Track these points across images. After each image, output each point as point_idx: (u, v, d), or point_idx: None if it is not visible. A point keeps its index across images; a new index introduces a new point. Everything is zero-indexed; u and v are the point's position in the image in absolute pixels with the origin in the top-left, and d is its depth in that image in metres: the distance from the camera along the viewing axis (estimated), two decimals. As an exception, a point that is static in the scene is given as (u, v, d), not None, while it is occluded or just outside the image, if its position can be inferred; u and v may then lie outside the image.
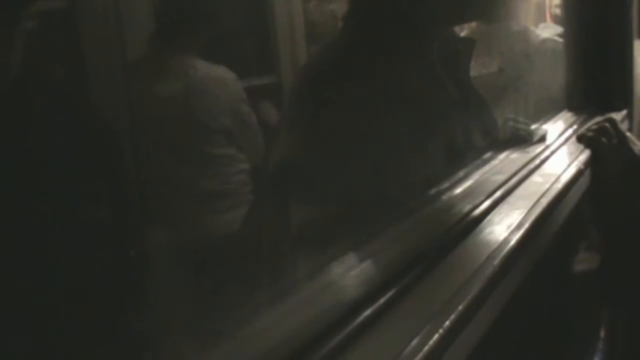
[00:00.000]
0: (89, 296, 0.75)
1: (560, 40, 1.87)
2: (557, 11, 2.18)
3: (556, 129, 1.55)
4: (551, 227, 1.08)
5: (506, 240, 0.91)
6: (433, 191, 1.06)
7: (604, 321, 1.79)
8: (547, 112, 1.64)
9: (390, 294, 0.74)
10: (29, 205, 0.70)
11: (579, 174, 1.23)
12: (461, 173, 1.17)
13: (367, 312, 0.70)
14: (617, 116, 1.66)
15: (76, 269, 0.75)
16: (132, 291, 0.86)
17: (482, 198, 1.06)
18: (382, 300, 0.73)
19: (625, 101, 1.79)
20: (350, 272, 0.78)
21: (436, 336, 0.65)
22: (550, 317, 1.29)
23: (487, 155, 1.28)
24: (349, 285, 0.77)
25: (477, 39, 1.30)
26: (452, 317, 0.68)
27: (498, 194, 1.09)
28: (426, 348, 0.64)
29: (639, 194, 1.35)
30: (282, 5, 1.87)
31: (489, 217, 1.00)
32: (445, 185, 1.09)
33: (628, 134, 1.42)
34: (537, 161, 1.29)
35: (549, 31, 1.99)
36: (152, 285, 0.96)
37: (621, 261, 1.43)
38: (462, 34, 1.64)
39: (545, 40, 1.94)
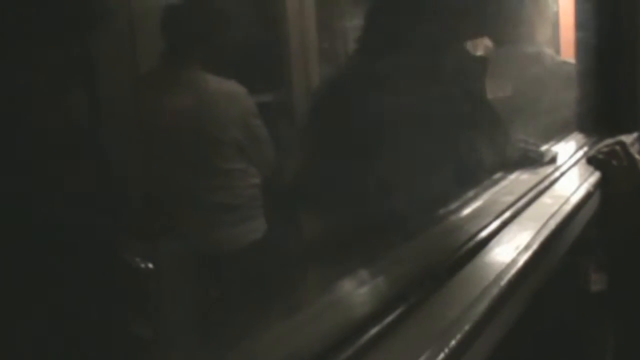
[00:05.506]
0: (101, 308, 0.76)
1: (573, 62, 1.88)
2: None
3: (567, 150, 1.56)
4: (559, 248, 1.09)
5: (514, 261, 0.91)
6: (443, 210, 1.07)
7: (612, 343, 1.78)
8: (558, 134, 1.64)
9: (398, 311, 0.75)
10: (42, 221, 0.71)
11: (588, 196, 1.23)
12: (471, 193, 1.17)
13: (375, 329, 0.71)
14: (628, 139, 1.66)
15: (88, 282, 0.76)
16: (145, 302, 0.87)
17: (491, 218, 1.07)
18: (390, 318, 0.74)
19: (635, 123, 1.79)
20: (360, 289, 0.79)
21: (442, 355, 0.65)
22: (557, 337, 1.29)
23: (498, 175, 1.29)
24: (359, 302, 0.78)
25: (493, 61, 1.31)
26: (458, 336, 0.69)
27: (507, 214, 1.09)
28: (432, 366, 0.64)
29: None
30: (296, 22, 1.89)
31: (497, 238, 1.01)
32: (456, 205, 1.10)
33: (638, 156, 1.42)
34: (546, 182, 1.30)
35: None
36: (163, 297, 0.97)
37: (630, 282, 1.43)
38: (478, 54, 1.65)
39: (558, 63, 1.94)
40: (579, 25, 1.85)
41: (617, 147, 1.43)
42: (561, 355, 1.35)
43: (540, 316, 1.07)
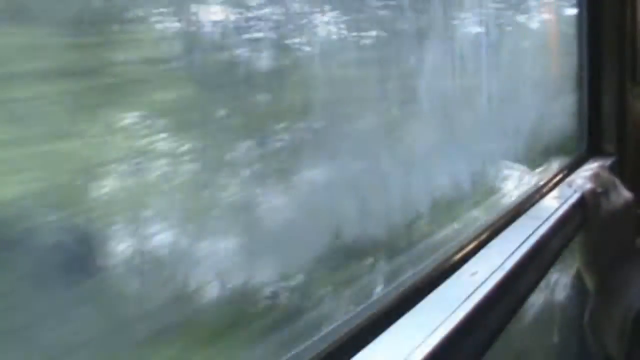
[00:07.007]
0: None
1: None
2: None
3: (548, 172, 1.58)
4: (536, 269, 1.10)
5: (488, 282, 0.92)
6: (420, 231, 1.08)
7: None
8: (540, 156, 1.66)
9: (372, 330, 0.76)
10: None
11: (566, 218, 1.25)
12: (450, 213, 1.19)
13: (352, 344, 0.73)
14: (609, 162, 1.69)
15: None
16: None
17: (468, 239, 1.08)
18: (359, 339, 0.75)
19: (617, 147, 1.81)
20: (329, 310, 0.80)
21: (410, 372, 0.66)
22: (540, 355, 1.30)
23: (477, 197, 1.30)
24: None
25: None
26: (425, 355, 0.70)
27: (484, 235, 1.11)
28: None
29: (626, 240, 1.38)
30: None
31: (474, 259, 1.02)
32: (433, 226, 1.11)
33: (618, 181, 1.44)
34: (526, 204, 1.31)
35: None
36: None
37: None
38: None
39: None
40: (563, 47, 1.87)
41: (598, 171, 1.45)
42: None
43: (517, 337, 1.09)
